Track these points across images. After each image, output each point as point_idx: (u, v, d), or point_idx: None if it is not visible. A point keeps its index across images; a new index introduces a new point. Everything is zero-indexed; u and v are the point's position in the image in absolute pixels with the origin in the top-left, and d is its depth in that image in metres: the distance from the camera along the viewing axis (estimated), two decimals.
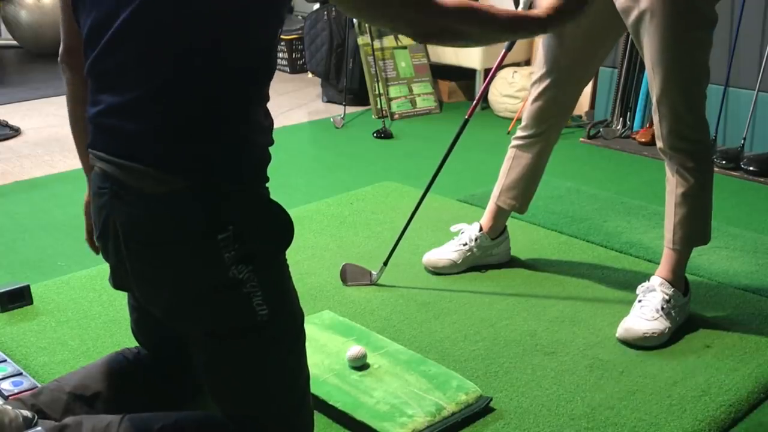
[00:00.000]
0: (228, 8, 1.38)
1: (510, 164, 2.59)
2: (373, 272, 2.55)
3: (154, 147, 1.41)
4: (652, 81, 2.19)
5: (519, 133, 2.56)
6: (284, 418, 1.58)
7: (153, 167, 1.41)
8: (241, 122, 1.45)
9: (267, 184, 1.53)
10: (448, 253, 2.65)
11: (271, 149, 1.53)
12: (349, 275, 2.56)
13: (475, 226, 2.67)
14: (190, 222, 1.42)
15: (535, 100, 2.46)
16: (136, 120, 1.41)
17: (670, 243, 2.33)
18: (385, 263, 2.54)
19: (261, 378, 1.54)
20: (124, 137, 1.43)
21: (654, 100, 2.20)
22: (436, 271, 2.64)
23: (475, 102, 2.58)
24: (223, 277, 1.44)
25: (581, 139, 4.19)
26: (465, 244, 2.64)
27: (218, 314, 1.48)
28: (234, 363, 1.53)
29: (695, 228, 2.31)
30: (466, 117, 2.53)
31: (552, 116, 2.48)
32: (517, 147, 2.56)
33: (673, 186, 2.28)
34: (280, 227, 1.52)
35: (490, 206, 2.68)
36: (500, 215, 2.68)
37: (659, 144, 2.26)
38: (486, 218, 2.68)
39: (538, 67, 2.45)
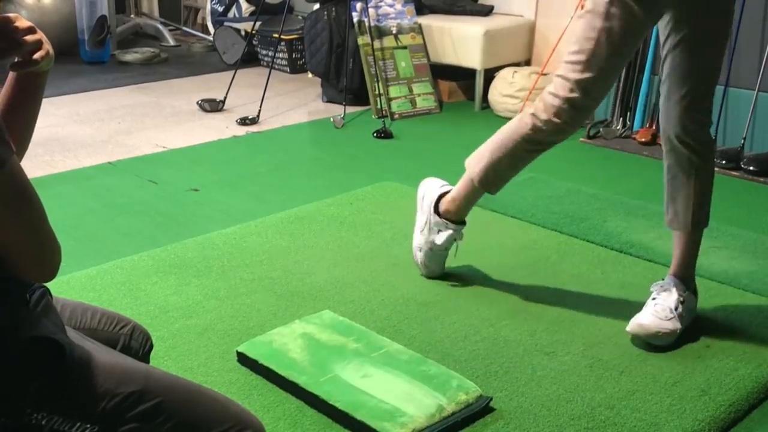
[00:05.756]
0: None
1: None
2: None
3: None
4: (704, 72, 2.18)
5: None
6: None
7: None
8: None
9: None
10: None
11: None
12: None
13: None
14: None
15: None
16: None
17: (687, 226, 2.28)
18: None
19: None
20: None
21: (698, 89, 2.18)
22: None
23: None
24: None
25: (581, 139, 4.18)
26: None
27: None
28: None
29: (704, 209, 2.29)
30: None
31: None
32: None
33: (679, 171, 2.25)
34: None
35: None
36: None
37: (679, 131, 2.20)
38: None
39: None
